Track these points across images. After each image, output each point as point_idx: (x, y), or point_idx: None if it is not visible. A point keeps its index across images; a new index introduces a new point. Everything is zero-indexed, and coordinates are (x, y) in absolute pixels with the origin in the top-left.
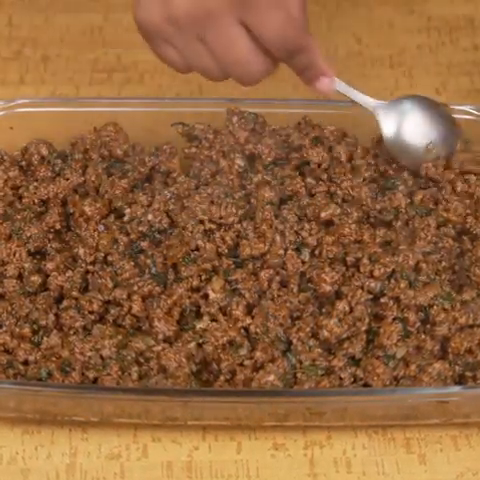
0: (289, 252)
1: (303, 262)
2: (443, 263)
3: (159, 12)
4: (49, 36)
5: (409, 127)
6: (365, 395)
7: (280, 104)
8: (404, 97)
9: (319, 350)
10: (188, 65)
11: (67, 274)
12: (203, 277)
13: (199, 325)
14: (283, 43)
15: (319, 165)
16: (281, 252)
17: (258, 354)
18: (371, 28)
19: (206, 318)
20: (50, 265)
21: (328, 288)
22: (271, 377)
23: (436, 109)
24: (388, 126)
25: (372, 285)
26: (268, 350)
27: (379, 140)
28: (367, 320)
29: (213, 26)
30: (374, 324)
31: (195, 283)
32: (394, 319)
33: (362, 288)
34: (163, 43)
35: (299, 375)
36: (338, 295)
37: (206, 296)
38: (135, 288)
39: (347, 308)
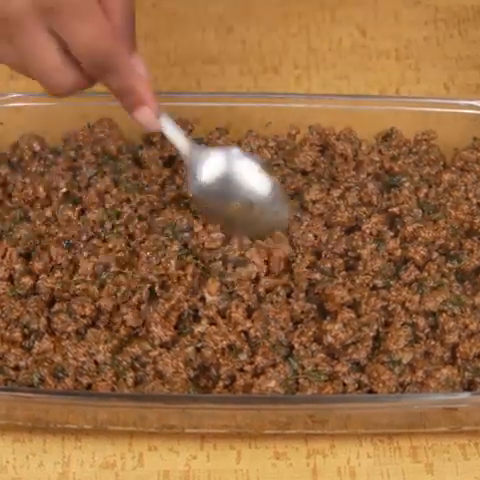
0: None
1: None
2: (449, 264)
3: None
4: None
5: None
6: (370, 402)
7: (281, 98)
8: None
9: (322, 355)
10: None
11: (56, 275)
12: (196, 277)
13: (197, 329)
14: (91, 59)
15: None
16: None
17: (258, 359)
18: (376, 19)
19: (204, 322)
20: (38, 265)
21: (340, 301)
22: (272, 383)
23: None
24: (197, 178)
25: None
26: (269, 355)
27: (384, 137)
28: (375, 326)
29: (17, 31)
30: (382, 329)
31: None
32: (403, 324)
33: (377, 295)
34: None
35: (301, 381)
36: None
37: (203, 299)
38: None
39: (353, 314)
